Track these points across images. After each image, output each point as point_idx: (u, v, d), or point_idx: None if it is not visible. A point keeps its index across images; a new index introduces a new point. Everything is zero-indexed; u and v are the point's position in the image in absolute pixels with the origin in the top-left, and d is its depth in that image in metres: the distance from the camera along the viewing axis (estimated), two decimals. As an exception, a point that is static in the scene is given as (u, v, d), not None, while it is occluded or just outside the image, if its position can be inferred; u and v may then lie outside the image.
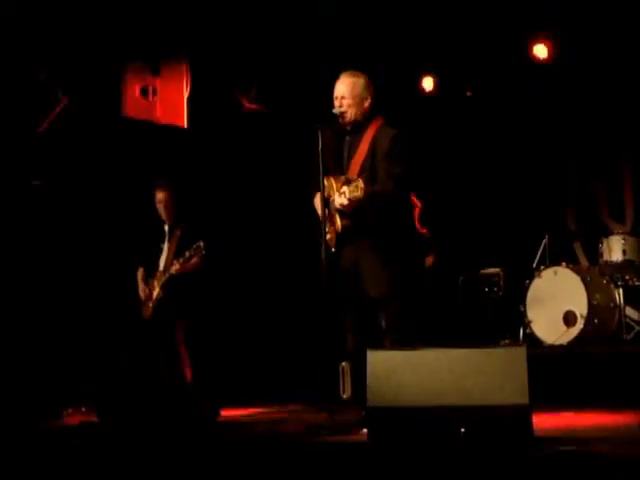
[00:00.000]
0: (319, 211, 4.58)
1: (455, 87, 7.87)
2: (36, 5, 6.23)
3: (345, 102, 4.61)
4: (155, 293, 6.05)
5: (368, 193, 4.28)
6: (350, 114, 4.62)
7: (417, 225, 6.68)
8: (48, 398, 5.79)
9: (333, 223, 4.56)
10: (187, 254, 5.80)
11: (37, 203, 6.90)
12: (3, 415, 5.20)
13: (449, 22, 6.95)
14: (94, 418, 4.87)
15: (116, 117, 7.12)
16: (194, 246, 5.75)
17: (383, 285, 4.48)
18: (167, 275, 5.97)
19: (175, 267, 5.86)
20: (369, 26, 6.96)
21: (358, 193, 4.26)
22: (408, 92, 7.75)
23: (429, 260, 6.87)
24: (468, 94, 7.70)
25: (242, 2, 6.65)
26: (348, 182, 4.42)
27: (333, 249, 4.55)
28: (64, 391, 5.90)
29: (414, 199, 6.52)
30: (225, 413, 4.82)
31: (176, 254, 5.96)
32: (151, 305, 6.08)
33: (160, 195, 6.15)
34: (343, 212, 4.48)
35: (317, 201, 4.67)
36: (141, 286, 6.18)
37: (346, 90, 4.62)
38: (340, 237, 4.56)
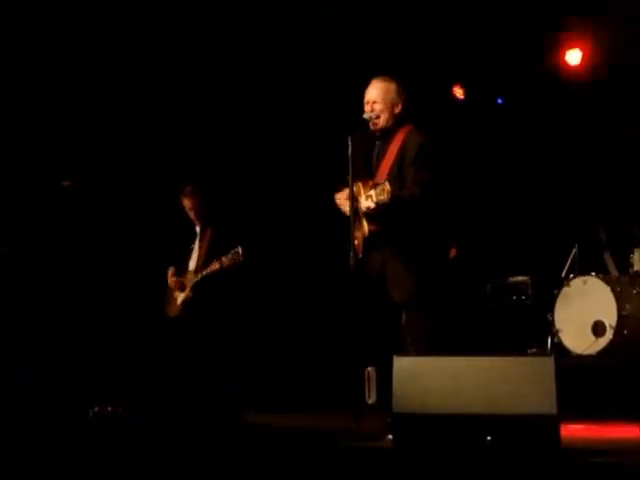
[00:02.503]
0: (344, 209, 4.58)
1: (485, 95, 7.85)
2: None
3: (377, 107, 4.61)
4: (185, 293, 6.08)
5: (394, 197, 4.27)
6: (381, 119, 4.62)
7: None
8: (75, 397, 5.84)
9: (360, 228, 4.56)
10: (224, 259, 5.79)
11: (67, 203, 6.97)
12: (33, 414, 5.24)
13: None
14: (122, 416, 4.90)
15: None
16: (232, 251, 5.75)
17: (408, 290, 4.47)
18: (199, 276, 5.99)
19: (210, 269, 5.87)
20: (398, 34, 6.98)
21: (384, 196, 4.25)
22: (439, 100, 7.73)
23: (452, 252, 6.80)
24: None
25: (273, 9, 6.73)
26: (375, 186, 4.41)
27: (360, 255, 4.55)
28: (91, 389, 5.95)
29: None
30: (249, 417, 4.83)
31: (208, 254, 5.97)
32: (179, 304, 6.12)
33: (186, 199, 6.19)
34: (370, 216, 4.48)
35: (338, 201, 4.68)
36: (171, 285, 6.21)
37: (378, 95, 4.62)
38: (367, 242, 4.55)
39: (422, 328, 4.48)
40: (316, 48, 7.10)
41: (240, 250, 5.74)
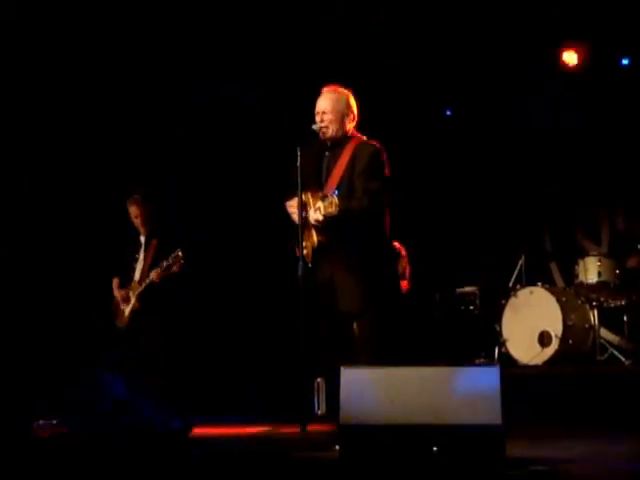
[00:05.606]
0: (294, 217, 4.56)
1: (437, 105, 7.93)
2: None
3: (326, 117, 4.58)
4: (130, 303, 6.03)
5: (342, 210, 4.27)
6: (331, 130, 4.59)
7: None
8: (18, 410, 5.72)
9: (309, 238, 4.56)
10: (164, 263, 5.79)
11: (13, 211, 6.86)
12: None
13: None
14: (65, 430, 4.81)
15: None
16: (172, 255, 5.74)
17: (356, 300, 4.46)
18: (143, 285, 5.94)
19: (153, 276, 5.84)
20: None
21: (332, 209, 4.24)
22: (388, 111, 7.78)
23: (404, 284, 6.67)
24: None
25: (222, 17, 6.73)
26: (324, 198, 4.40)
27: (310, 264, 4.54)
28: (35, 403, 5.83)
29: (401, 249, 6.39)
30: (196, 428, 4.78)
31: (152, 264, 5.94)
32: (126, 315, 6.06)
33: (133, 206, 6.14)
34: (319, 228, 4.47)
35: (290, 209, 4.66)
36: (116, 295, 6.15)
37: (328, 105, 4.60)
38: (316, 252, 4.55)
39: (371, 338, 4.48)
40: (265, 59, 7.10)
41: (180, 253, 5.72)
